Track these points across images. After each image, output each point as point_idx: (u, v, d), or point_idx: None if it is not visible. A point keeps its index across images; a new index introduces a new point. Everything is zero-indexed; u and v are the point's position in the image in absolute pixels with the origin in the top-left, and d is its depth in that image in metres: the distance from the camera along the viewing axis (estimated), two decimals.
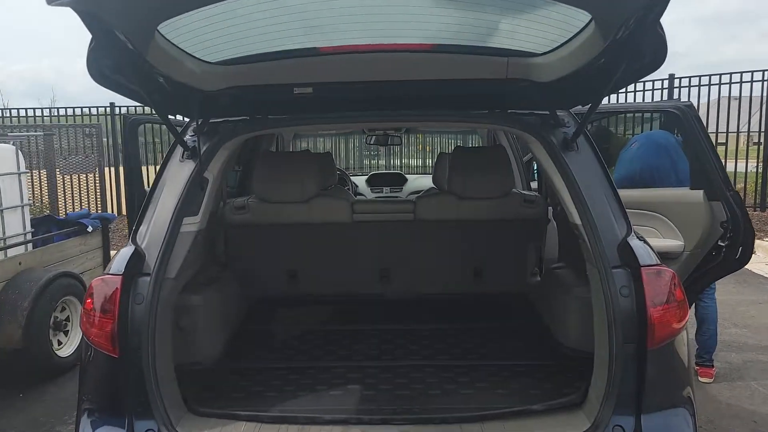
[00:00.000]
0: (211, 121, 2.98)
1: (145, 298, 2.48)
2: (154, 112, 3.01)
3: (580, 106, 3.02)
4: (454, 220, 3.89)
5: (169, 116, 2.97)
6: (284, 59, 2.70)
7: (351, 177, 7.01)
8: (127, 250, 2.57)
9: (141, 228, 2.71)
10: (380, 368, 3.05)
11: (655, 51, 2.25)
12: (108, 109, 12.24)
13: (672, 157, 4.48)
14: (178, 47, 2.48)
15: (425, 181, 6.85)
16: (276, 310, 3.86)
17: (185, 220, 2.73)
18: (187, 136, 2.96)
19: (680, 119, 4.10)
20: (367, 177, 7.34)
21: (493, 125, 2.90)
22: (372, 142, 6.75)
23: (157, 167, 3.00)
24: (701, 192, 4.11)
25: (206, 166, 2.86)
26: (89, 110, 12.59)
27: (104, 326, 2.46)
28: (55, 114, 12.69)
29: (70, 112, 12.57)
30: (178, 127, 3.04)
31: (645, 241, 2.60)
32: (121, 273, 2.47)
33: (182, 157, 2.87)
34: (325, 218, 3.90)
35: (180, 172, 2.83)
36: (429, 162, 10.57)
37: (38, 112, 12.53)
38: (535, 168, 6.94)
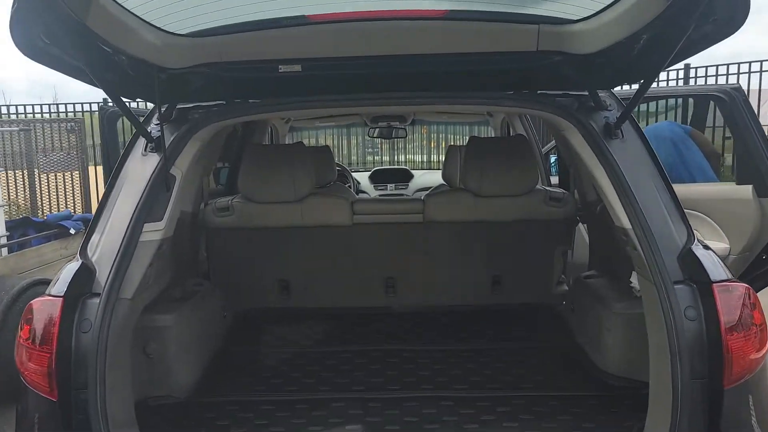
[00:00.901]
0: (178, 106, 2.51)
1: (93, 325, 2.02)
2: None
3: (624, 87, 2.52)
4: (469, 221, 3.39)
5: (132, 101, 2.48)
6: (266, 30, 2.24)
7: (353, 173, 6.49)
8: (72, 266, 2.11)
9: (93, 237, 2.25)
10: (386, 401, 2.56)
11: (733, 7, 1.76)
12: (101, 105, 11.78)
13: (680, 150, 4.15)
14: (131, 12, 2.00)
15: (433, 177, 6.33)
16: (264, 328, 3.37)
17: (146, 226, 2.26)
18: (152, 125, 2.48)
19: (727, 105, 3.61)
20: (370, 173, 6.81)
21: (519, 108, 2.42)
22: (375, 135, 6.24)
23: None
24: (750, 187, 3.62)
25: (173, 161, 2.38)
26: (81, 107, 12.14)
27: (41, 361, 1.99)
28: (47, 111, 12.23)
29: (62, 108, 12.14)
30: (141, 117, 2.56)
31: (710, 249, 2.11)
32: (61, 295, 2.00)
33: (145, 150, 2.41)
34: (322, 220, 3.41)
35: (142, 168, 2.36)
36: (434, 158, 10.04)
37: (29, 109, 12.09)
38: (553, 162, 6.43)
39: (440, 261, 3.51)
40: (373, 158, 9.67)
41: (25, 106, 12.11)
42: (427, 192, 3.71)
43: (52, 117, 10.85)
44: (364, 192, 6.37)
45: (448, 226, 3.44)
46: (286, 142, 5.66)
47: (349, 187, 6.03)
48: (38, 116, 11.69)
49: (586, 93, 2.45)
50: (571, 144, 2.41)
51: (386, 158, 9.69)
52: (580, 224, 3.62)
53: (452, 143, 9.69)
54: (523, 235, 3.42)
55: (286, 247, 3.48)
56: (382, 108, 2.51)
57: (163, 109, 2.46)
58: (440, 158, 9.61)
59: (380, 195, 6.31)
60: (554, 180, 4.67)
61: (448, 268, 3.52)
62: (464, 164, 3.36)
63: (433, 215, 3.42)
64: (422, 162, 9.96)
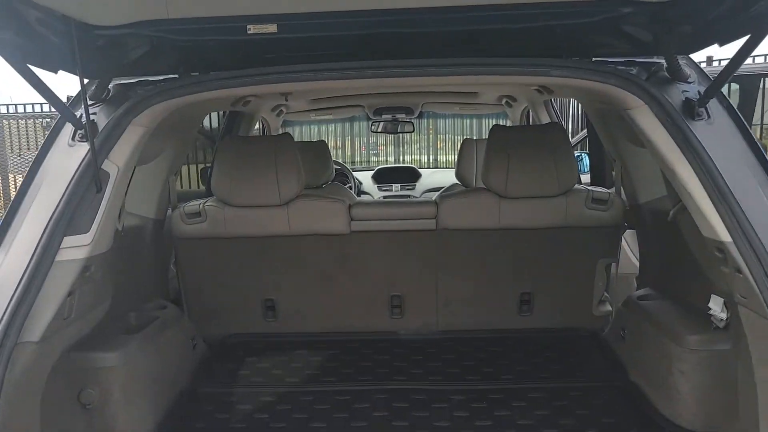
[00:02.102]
0: (115, 82, 1.92)
1: None
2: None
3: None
4: (492, 228, 2.78)
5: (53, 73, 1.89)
6: None
7: (354, 173, 5.86)
8: None
9: None
10: None
11: None
12: None
13: None
14: None
15: (443, 177, 5.70)
16: (243, 360, 2.76)
17: (66, 240, 1.68)
18: (83, 108, 1.89)
19: None
20: (373, 172, 6.18)
21: (569, 79, 1.81)
22: (378, 130, 5.63)
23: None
24: None
25: (106, 153, 1.79)
26: None
27: None
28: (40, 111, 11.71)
29: (46, 108, 11.60)
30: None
31: None
32: None
33: (72, 138, 1.82)
34: (313, 228, 2.81)
35: (66, 162, 1.80)
36: (441, 158, 9.36)
37: (11, 109, 11.55)
38: (578, 157, 5.78)
39: (457, 276, 2.90)
40: (378, 158, 9.03)
41: (15, 105, 11.58)
42: (440, 192, 3.09)
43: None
44: (366, 193, 5.75)
45: (466, 235, 2.83)
46: None
47: (350, 188, 5.42)
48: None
49: (660, 59, 1.85)
50: (639, 127, 1.80)
51: (391, 159, 9.08)
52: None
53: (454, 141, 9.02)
54: (558, 244, 2.81)
55: (271, 261, 2.88)
56: (388, 82, 1.90)
57: (93, 85, 1.88)
58: (445, 158, 8.92)
59: (385, 197, 5.67)
60: (585, 179, 4.05)
61: (466, 285, 2.90)
62: (486, 159, 2.76)
63: (448, 221, 2.81)
64: (428, 162, 9.33)
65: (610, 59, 1.86)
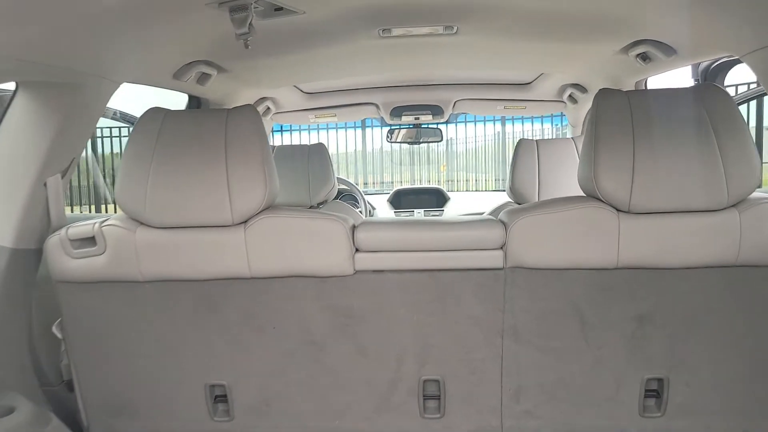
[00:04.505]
0: None
1: None
2: None
3: None
4: (605, 267, 1.59)
5: None
6: None
7: (366, 197, 4.70)
8: None
9: None
10: None
11: None
12: None
13: None
14: None
15: (483, 200, 4.48)
16: None
17: None
18: None
19: None
20: (389, 196, 4.99)
21: None
22: (397, 139, 4.46)
23: None
24: None
25: None
26: None
27: None
28: None
29: None
30: None
31: None
32: None
33: None
34: (289, 266, 1.65)
35: None
36: (460, 186, 8.18)
37: None
38: None
39: (536, 349, 1.69)
40: (392, 178, 7.84)
41: None
42: (507, 208, 1.89)
43: None
44: None
45: (555, 278, 1.64)
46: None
47: (360, 213, 4.26)
48: None
49: None
50: None
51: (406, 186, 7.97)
52: None
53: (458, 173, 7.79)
54: (719, 295, 1.61)
55: (220, 321, 1.70)
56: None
57: None
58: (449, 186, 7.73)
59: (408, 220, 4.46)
60: None
61: (552, 365, 1.70)
62: (592, 145, 1.58)
63: (525, 254, 1.62)
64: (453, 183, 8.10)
65: None
